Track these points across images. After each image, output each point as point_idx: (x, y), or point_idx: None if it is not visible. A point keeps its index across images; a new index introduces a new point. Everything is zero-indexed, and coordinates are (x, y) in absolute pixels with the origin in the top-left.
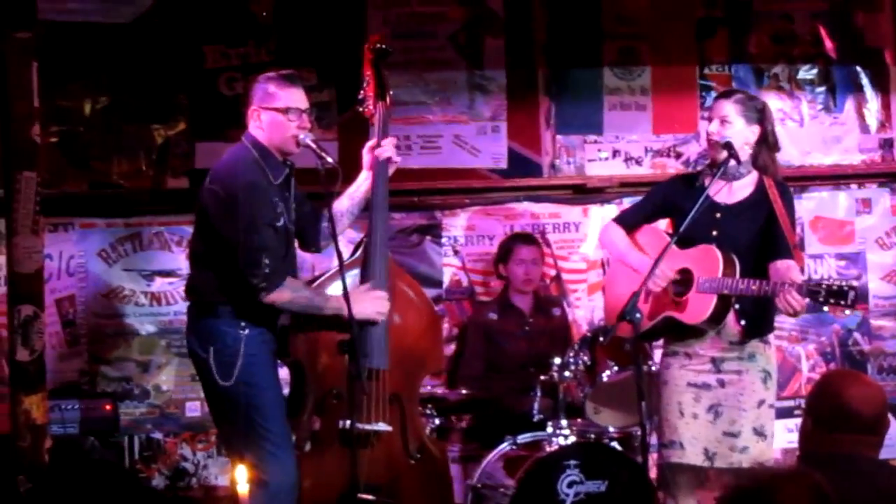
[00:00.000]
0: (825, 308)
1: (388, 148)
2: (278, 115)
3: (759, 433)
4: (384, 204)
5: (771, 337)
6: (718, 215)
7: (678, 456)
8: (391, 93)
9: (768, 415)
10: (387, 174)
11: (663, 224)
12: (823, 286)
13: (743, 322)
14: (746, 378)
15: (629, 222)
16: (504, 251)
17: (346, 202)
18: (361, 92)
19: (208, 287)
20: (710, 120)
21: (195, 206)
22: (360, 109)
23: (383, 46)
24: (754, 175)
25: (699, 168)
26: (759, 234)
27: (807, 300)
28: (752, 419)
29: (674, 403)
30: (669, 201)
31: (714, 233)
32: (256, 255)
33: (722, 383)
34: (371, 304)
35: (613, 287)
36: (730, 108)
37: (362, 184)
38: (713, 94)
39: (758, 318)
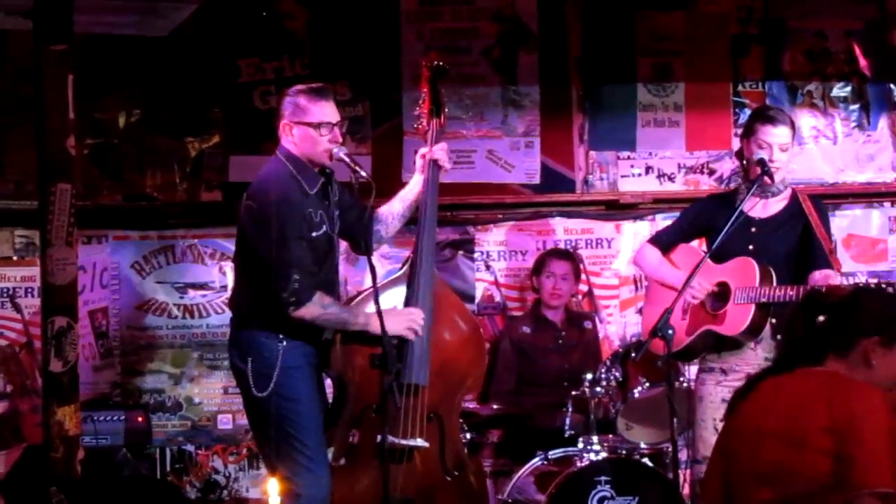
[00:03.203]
0: None
1: (437, 150)
2: (310, 129)
3: None
4: (433, 220)
5: None
6: (754, 229)
7: None
8: (446, 110)
9: None
10: (437, 182)
11: (695, 244)
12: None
13: (780, 337)
14: None
15: (664, 242)
16: (538, 263)
17: (398, 205)
18: (417, 109)
19: (248, 300)
20: (769, 146)
21: (237, 221)
22: (415, 126)
23: (440, 64)
24: (788, 190)
25: (733, 186)
26: (795, 247)
27: None
28: None
29: (708, 419)
30: (705, 220)
31: (750, 246)
32: (286, 270)
33: None
34: (402, 320)
35: (652, 306)
36: (789, 134)
37: (414, 187)
38: (747, 110)
39: None
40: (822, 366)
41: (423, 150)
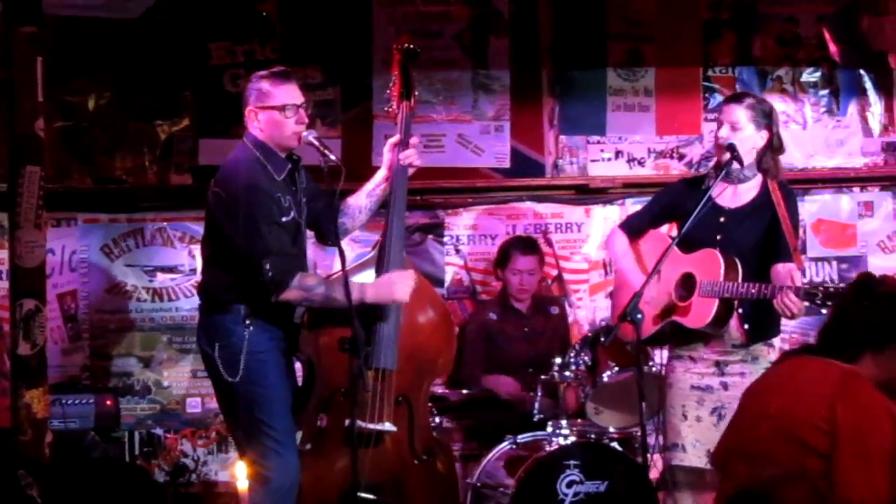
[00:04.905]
0: (824, 311)
1: (412, 155)
2: (276, 112)
3: None
4: (402, 204)
5: (776, 341)
6: (722, 219)
7: (680, 458)
8: (416, 93)
9: None
10: (406, 175)
11: (664, 229)
12: (820, 289)
13: (746, 326)
14: (749, 380)
15: (635, 228)
16: (502, 256)
17: (364, 198)
18: (388, 92)
19: (218, 286)
20: (719, 124)
21: (205, 207)
22: (385, 109)
23: (411, 47)
24: (759, 178)
25: (703, 171)
26: (762, 238)
27: (805, 303)
28: None
29: (677, 406)
30: (675, 205)
31: (718, 237)
32: (259, 258)
33: (725, 386)
34: (399, 285)
35: (621, 290)
36: (741, 113)
37: (381, 181)
38: (717, 96)
39: (762, 322)
40: (857, 362)
41: (391, 142)
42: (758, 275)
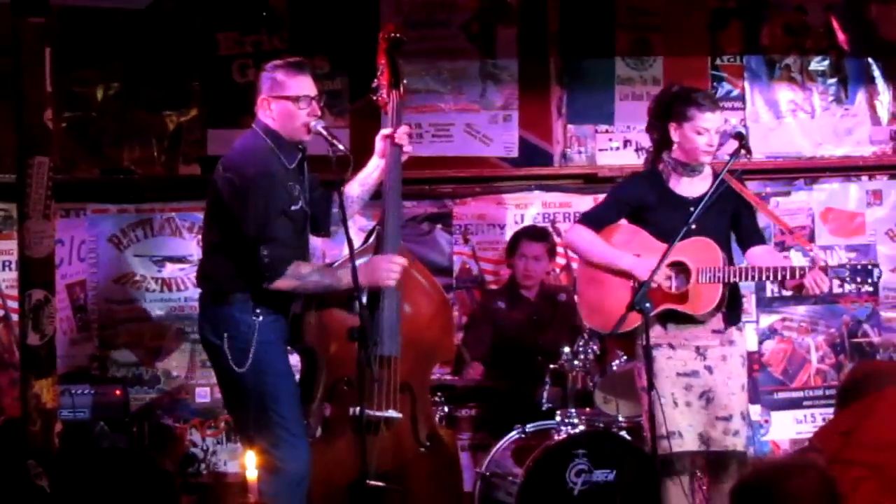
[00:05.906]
0: (847, 288)
1: (402, 136)
2: (289, 103)
3: (744, 417)
4: (397, 192)
5: (743, 325)
6: (692, 209)
7: (678, 445)
8: (405, 82)
9: (746, 399)
10: (400, 162)
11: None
12: (848, 266)
13: (724, 311)
14: (731, 362)
15: (597, 222)
16: (511, 243)
17: (357, 188)
18: (375, 80)
19: (223, 275)
20: (706, 131)
21: (208, 194)
22: (374, 98)
23: (397, 35)
24: (708, 169)
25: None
26: (729, 225)
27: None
28: (740, 403)
29: (667, 395)
30: (635, 200)
31: (693, 226)
32: (256, 246)
33: (710, 370)
34: (381, 269)
35: (589, 287)
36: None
37: (374, 170)
38: (726, 84)
39: (734, 307)
40: None
41: (383, 132)
42: (730, 261)
